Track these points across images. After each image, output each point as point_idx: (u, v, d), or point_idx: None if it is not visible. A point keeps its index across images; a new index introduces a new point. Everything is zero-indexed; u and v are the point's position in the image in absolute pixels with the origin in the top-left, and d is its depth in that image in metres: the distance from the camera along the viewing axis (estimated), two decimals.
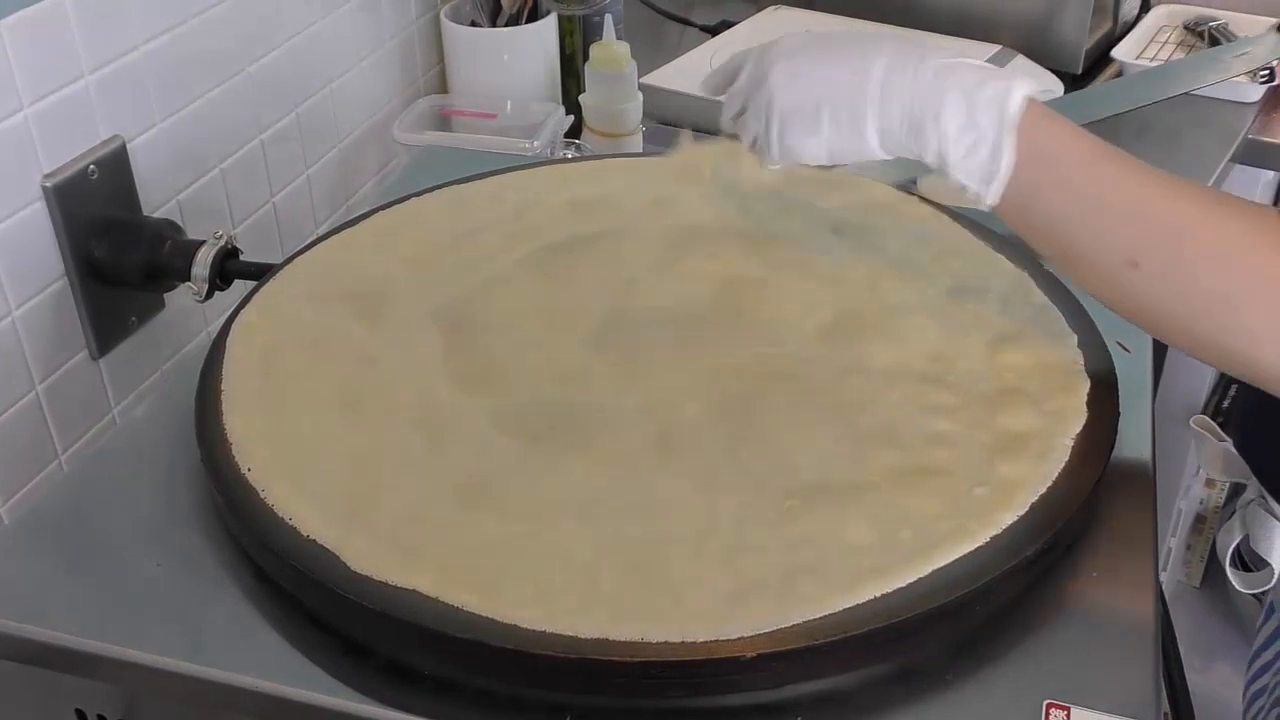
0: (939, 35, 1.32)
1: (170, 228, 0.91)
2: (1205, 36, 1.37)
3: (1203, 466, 1.41)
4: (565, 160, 1.04)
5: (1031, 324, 0.72)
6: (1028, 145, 0.60)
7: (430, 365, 0.71)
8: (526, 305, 0.75)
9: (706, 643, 0.53)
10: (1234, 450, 0.88)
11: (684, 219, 0.83)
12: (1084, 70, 1.34)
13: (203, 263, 0.87)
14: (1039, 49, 1.31)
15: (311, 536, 0.59)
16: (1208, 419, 0.92)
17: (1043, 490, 0.61)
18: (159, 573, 0.62)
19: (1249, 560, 1.59)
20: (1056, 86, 1.22)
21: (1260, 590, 0.99)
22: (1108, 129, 1.25)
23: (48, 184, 0.84)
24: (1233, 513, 1.58)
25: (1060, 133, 0.62)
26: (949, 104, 0.62)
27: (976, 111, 0.61)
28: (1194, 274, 0.59)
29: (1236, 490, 1.66)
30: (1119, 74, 1.36)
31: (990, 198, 0.62)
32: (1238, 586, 1.04)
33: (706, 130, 1.18)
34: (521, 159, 0.98)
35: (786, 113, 0.66)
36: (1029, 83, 0.62)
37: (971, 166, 0.62)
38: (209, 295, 0.88)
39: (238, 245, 0.90)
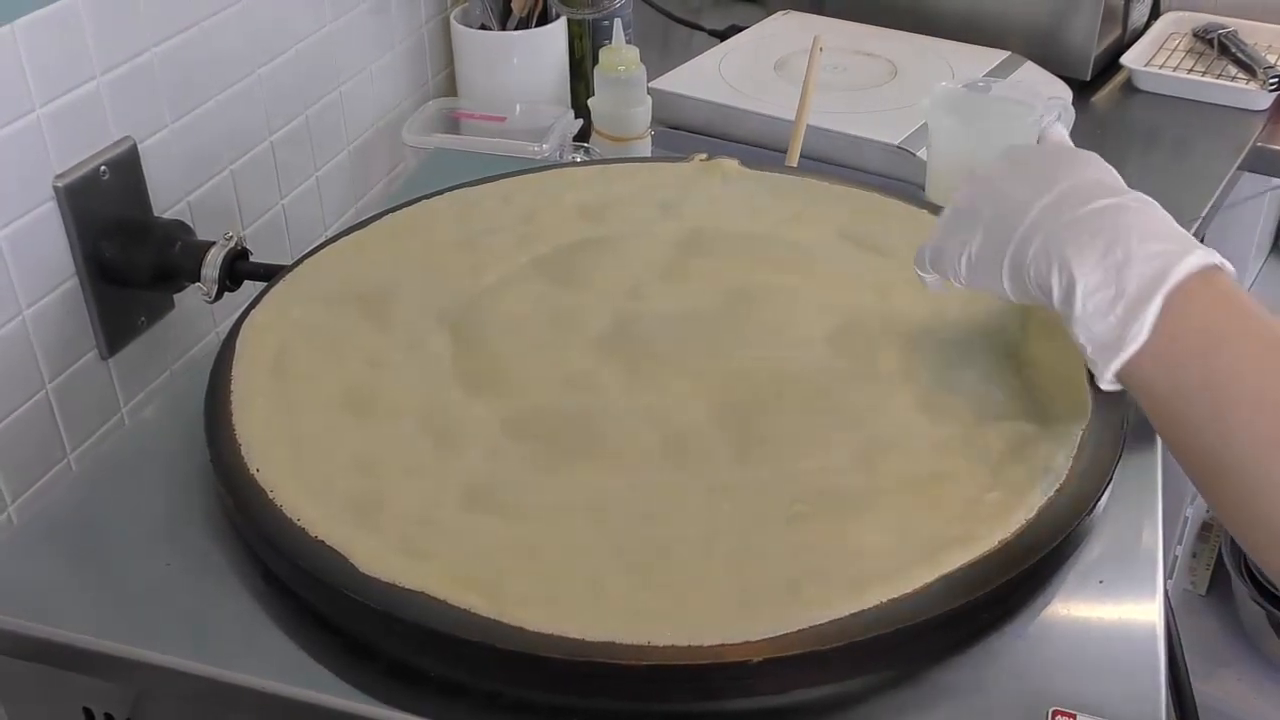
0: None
1: (180, 229, 0.92)
2: (1214, 44, 1.37)
3: None
4: (574, 164, 1.05)
5: (1040, 330, 0.72)
6: (1173, 315, 0.51)
7: (439, 367, 0.71)
8: (535, 309, 0.76)
9: (713, 647, 0.53)
10: None
11: (692, 224, 0.84)
12: (1092, 77, 1.34)
13: (212, 264, 0.88)
14: (1047, 55, 1.31)
15: (319, 537, 0.59)
16: None
17: (1050, 496, 0.61)
18: (167, 572, 0.62)
19: (1257, 571, 1.59)
20: (1065, 93, 1.22)
21: None
22: (1115, 138, 1.26)
23: (59, 184, 0.84)
24: None
25: (1217, 300, 0.51)
26: (1095, 245, 0.53)
27: (1127, 269, 0.52)
28: None
29: None
30: (1128, 81, 1.36)
31: (1106, 375, 0.54)
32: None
33: (715, 136, 1.19)
34: (530, 162, 0.98)
35: (951, 216, 0.62)
36: (1211, 254, 0.52)
37: (1098, 330, 0.53)
38: (218, 296, 0.89)
39: (247, 246, 0.90)
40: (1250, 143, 1.23)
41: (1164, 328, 0.52)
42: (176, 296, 0.96)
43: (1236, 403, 0.50)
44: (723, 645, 0.53)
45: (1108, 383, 0.55)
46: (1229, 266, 0.53)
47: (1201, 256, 0.52)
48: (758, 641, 0.53)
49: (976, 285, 0.62)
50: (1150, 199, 0.56)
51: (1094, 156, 0.61)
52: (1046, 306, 0.58)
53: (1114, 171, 0.60)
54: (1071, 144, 0.65)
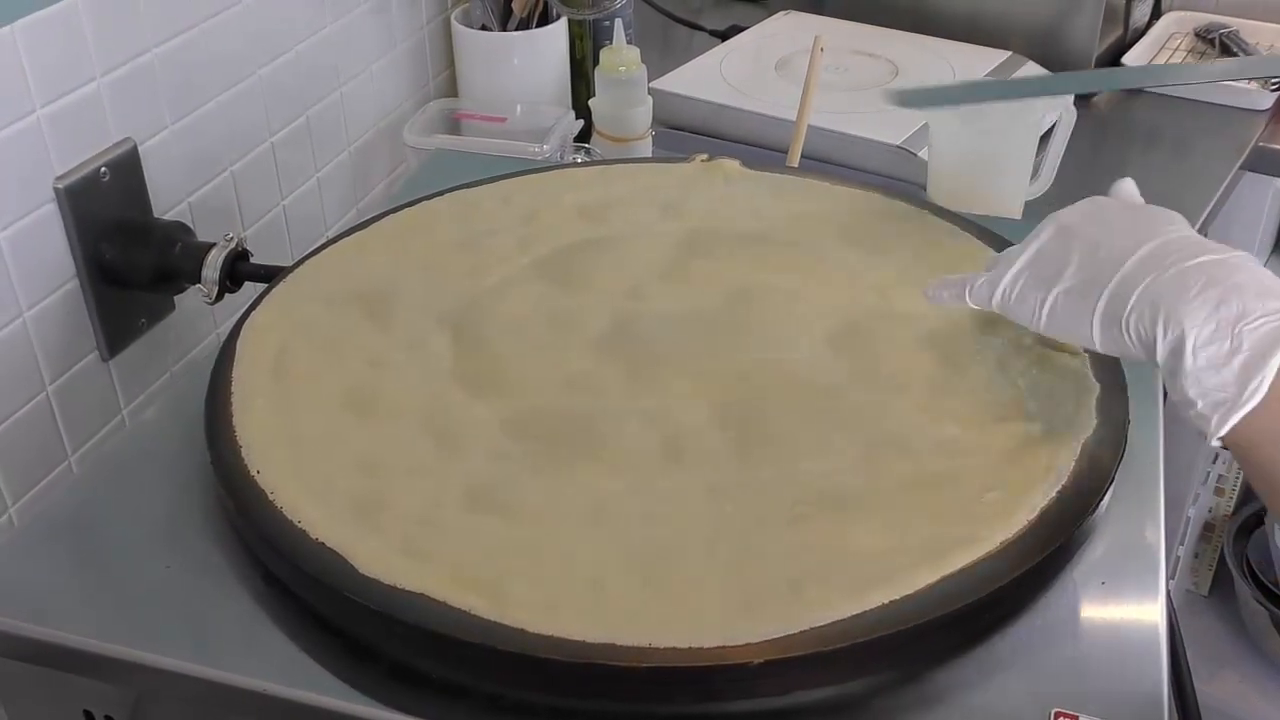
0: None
1: (181, 230, 0.92)
2: (1216, 43, 1.37)
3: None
4: (575, 164, 1.05)
5: (1041, 330, 0.71)
6: None
7: (440, 368, 0.71)
8: (535, 309, 0.76)
9: (714, 649, 0.53)
10: None
11: (693, 224, 0.83)
12: None
13: (213, 265, 0.88)
14: (1049, 55, 1.30)
15: (320, 539, 0.59)
16: None
17: (1052, 497, 0.61)
18: (168, 574, 0.62)
19: (1260, 571, 1.59)
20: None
21: None
22: (1116, 138, 1.26)
23: (59, 186, 0.84)
24: (1256, 528, 1.57)
25: None
26: (1206, 295, 0.52)
27: (1244, 323, 0.50)
28: None
29: (1246, 498, 1.66)
30: None
31: (1219, 432, 0.51)
32: None
33: (716, 136, 1.18)
34: (531, 163, 0.98)
35: (1033, 263, 0.60)
36: None
37: (1211, 384, 0.51)
38: (219, 297, 0.89)
39: (248, 248, 0.90)
40: (1252, 143, 1.22)
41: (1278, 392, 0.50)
42: (177, 298, 0.96)
43: None
44: (724, 647, 0.53)
45: (1216, 439, 0.53)
46: None
47: None
48: (759, 643, 0.53)
49: (1055, 331, 0.61)
50: (1252, 256, 0.55)
51: (1178, 215, 0.60)
52: (1142, 359, 0.56)
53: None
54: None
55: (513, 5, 1.20)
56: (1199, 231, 0.99)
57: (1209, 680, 1.61)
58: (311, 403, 0.68)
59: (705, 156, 0.90)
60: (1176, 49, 1.39)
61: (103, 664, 0.59)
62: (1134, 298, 0.55)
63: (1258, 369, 0.50)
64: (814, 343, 0.72)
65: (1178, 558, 1.68)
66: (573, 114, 1.16)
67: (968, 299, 0.65)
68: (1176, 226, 0.58)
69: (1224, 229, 1.29)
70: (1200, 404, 0.52)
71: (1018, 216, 0.95)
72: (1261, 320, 0.51)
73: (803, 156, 1.02)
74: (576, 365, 0.71)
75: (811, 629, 0.54)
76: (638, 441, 0.65)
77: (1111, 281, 0.56)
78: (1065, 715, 0.53)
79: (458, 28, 1.21)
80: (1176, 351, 0.53)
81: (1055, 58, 1.31)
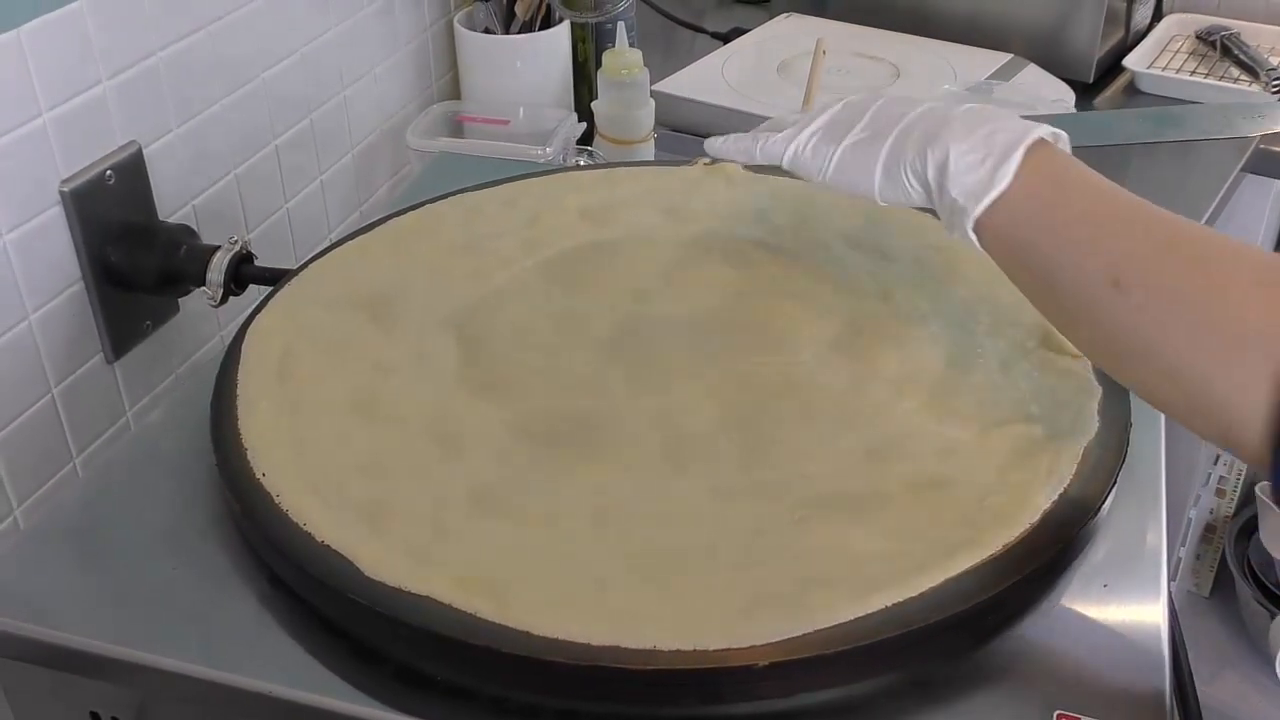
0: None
1: (185, 233, 0.92)
2: (1217, 46, 1.37)
3: (1265, 540, 1.40)
4: (577, 167, 1.05)
5: (1043, 334, 0.72)
6: (1032, 168, 0.59)
7: (444, 371, 0.71)
8: (539, 312, 0.76)
9: (718, 651, 0.53)
10: None
11: (696, 227, 0.84)
12: (1095, 79, 1.34)
13: (217, 268, 0.88)
14: (1050, 58, 1.31)
15: (325, 542, 0.59)
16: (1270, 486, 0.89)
17: (1054, 499, 0.61)
18: (173, 576, 0.62)
19: (1261, 572, 1.59)
20: (1068, 95, 1.23)
21: None
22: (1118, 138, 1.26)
23: (65, 189, 0.84)
24: (1258, 529, 1.57)
25: (1072, 164, 0.60)
26: (966, 124, 0.61)
27: (995, 133, 0.60)
28: (1179, 296, 0.53)
29: (1247, 500, 1.66)
30: (1130, 83, 1.36)
31: (978, 211, 0.60)
32: None
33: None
34: (534, 166, 0.99)
35: (829, 122, 0.69)
36: (1056, 131, 0.61)
37: (968, 180, 0.60)
38: (223, 300, 0.89)
39: (252, 250, 0.90)
40: (1254, 144, 1.22)
41: (1022, 181, 0.59)
42: (182, 300, 0.96)
43: (1075, 244, 0.57)
44: (728, 649, 0.53)
45: (967, 231, 0.61)
46: (1065, 136, 0.62)
47: (1050, 129, 0.61)
48: (763, 646, 0.53)
49: (840, 182, 0.68)
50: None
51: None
52: (917, 202, 0.65)
53: None
54: None
55: (515, 8, 1.20)
56: None
57: (1210, 681, 1.61)
58: (316, 405, 0.68)
59: (707, 160, 0.91)
60: (1178, 51, 1.39)
61: (108, 665, 0.59)
62: (910, 141, 0.64)
63: (1004, 161, 0.59)
64: (817, 346, 0.72)
65: (1179, 559, 1.68)
66: (575, 116, 1.16)
67: (757, 155, 0.72)
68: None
69: (1224, 230, 1.29)
70: (960, 199, 0.60)
71: None
72: (1009, 131, 0.60)
73: None
74: (580, 368, 0.71)
75: (815, 631, 0.54)
76: (641, 444, 0.65)
77: (893, 132, 0.65)
78: (1067, 717, 0.53)
79: (461, 31, 1.21)
80: (942, 168, 0.61)
81: (1056, 60, 1.31)
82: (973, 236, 0.61)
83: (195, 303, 0.95)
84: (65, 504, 0.69)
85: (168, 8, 0.90)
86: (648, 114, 1.12)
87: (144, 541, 0.64)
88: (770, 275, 0.78)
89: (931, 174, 0.62)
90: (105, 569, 0.63)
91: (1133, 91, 1.35)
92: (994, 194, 0.59)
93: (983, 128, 0.61)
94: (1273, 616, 1.58)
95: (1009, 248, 0.60)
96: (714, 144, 0.76)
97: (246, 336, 0.74)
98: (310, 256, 0.82)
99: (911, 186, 0.65)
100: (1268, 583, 1.59)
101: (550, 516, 0.61)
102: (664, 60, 1.30)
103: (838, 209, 0.85)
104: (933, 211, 0.65)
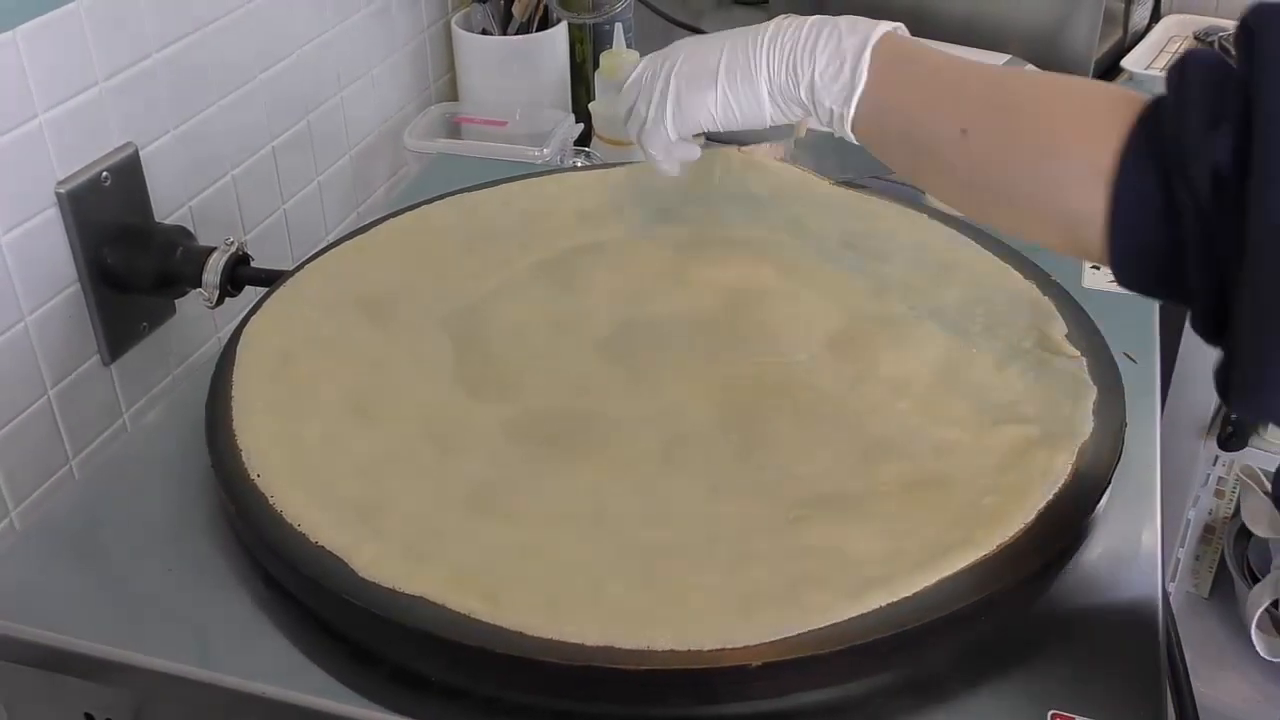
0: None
1: (182, 234, 0.92)
2: (1215, 47, 1.37)
3: (1249, 522, 1.40)
4: (575, 168, 1.05)
5: (1039, 334, 0.72)
6: (882, 60, 0.65)
7: (440, 372, 0.71)
8: (536, 313, 0.76)
9: (712, 651, 0.53)
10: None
11: (692, 228, 0.84)
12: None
13: (214, 269, 0.88)
14: (1049, 58, 1.31)
15: (320, 543, 0.59)
16: (1254, 469, 0.90)
17: (1049, 499, 0.61)
18: (169, 578, 0.62)
19: (1260, 574, 1.59)
20: None
21: None
22: None
23: (61, 190, 0.84)
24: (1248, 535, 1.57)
25: (915, 47, 0.66)
26: (822, 39, 0.67)
27: (843, 43, 0.66)
28: (1016, 133, 0.59)
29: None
30: (1129, 84, 1.36)
31: (850, 112, 0.65)
32: (1266, 654, 1.01)
33: (715, 141, 1.18)
34: (531, 167, 0.99)
35: (684, 76, 0.71)
36: (896, 24, 0.67)
37: (835, 89, 0.66)
38: (220, 301, 0.89)
39: (249, 252, 0.90)
40: None
41: (876, 73, 0.65)
42: (178, 302, 0.96)
43: (927, 107, 0.63)
44: (722, 649, 0.53)
45: (846, 130, 0.67)
46: (903, 27, 0.68)
47: (888, 24, 0.67)
48: (757, 645, 0.53)
49: (728, 121, 0.72)
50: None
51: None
52: (798, 115, 0.70)
53: None
54: None
55: (513, 9, 1.20)
56: None
57: (1209, 682, 1.61)
58: (312, 406, 0.68)
59: (702, 142, 0.90)
60: (1176, 52, 1.39)
61: (104, 667, 0.59)
62: (780, 61, 0.68)
63: (859, 62, 0.65)
64: (813, 346, 0.72)
65: (1178, 560, 1.68)
66: (573, 118, 1.16)
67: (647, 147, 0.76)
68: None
69: None
70: (836, 107, 0.66)
71: None
72: (857, 34, 0.66)
73: (801, 160, 1.02)
74: (577, 368, 0.71)
75: (810, 631, 0.54)
76: (637, 444, 0.65)
77: (762, 64, 0.69)
78: (1062, 717, 0.53)
79: (458, 32, 1.21)
80: (812, 82, 0.67)
81: (1055, 61, 1.31)
82: (850, 134, 0.67)
83: (192, 304, 0.95)
84: (61, 506, 0.69)
85: (164, 9, 0.90)
86: None
87: (139, 543, 0.64)
88: (766, 276, 0.78)
89: (803, 94, 0.68)
90: (101, 570, 0.63)
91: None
92: (858, 93, 0.65)
93: (832, 40, 0.67)
94: (1272, 618, 1.57)
95: (877, 129, 0.66)
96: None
97: (242, 338, 0.74)
98: (307, 258, 0.82)
99: (792, 110, 0.70)
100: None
101: (545, 517, 0.61)
102: None
103: (834, 209, 0.86)
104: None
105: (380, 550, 0.58)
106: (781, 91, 0.69)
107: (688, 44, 0.73)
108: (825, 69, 0.66)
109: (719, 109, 0.71)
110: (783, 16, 0.70)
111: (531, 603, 0.55)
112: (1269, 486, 0.86)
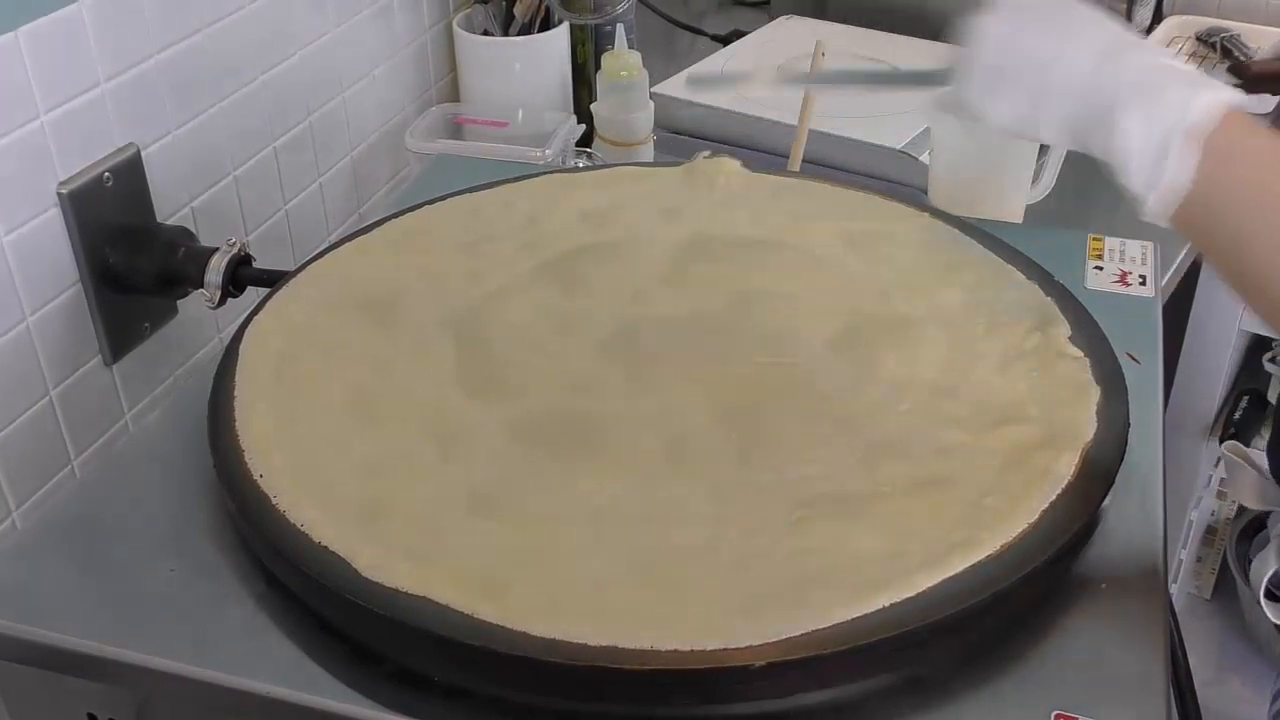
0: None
1: (184, 235, 0.92)
2: (1217, 47, 1.37)
3: (1235, 495, 1.40)
4: (576, 169, 1.05)
5: (1041, 335, 0.72)
6: (1211, 155, 0.56)
7: (442, 373, 0.71)
8: (538, 314, 0.76)
9: (715, 651, 0.53)
10: (1269, 478, 0.85)
11: (695, 228, 0.84)
12: None
13: (216, 270, 0.88)
14: None
15: (323, 543, 0.59)
16: (1240, 445, 0.90)
17: (1052, 500, 0.61)
18: (171, 578, 0.62)
19: (1271, 584, 1.59)
20: None
21: None
22: None
23: (63, 191, 0.84)
24: (1258, 531, 1.57)
25: (1254, 142, 0.57)
26: (1133, 98, 0.58)
27: (1156, 110, 0.57)
28: None
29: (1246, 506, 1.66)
30: None
31: (1151, 205, 0.58)
32: (1275, 619, 1.01)
33: (718, 141, 1.19)
34: (533, 168, 0.99)
35: (985, 70, 0.64)
36: (1233, 93, 0.58)
37: (1136, 170, 0.58)
38: (221, 302, 0.89)
39: (250, 252, 0.90)
40: None
41: (1190, 166, 0.56)
42: (180, 302, 0.96)
43: (1253, 219, 0.56)
44: (725, 650, 0.53)
45: (1162, 219, 0.59)
46: (1240, 96, 0.58)
47: (1218, 94, 0.57)
48: (760, 645, 0.53)
49: (1014, 131, 0.65)
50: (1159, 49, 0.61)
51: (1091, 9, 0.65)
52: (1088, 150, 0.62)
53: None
54: None
55: (514, 10, 1.20)
56: None
57: (1212, 684, 1.61)
58: (314, 407, 0.68)
59: (707, 153, 0.91)
60: (1178, 53, 1.39)
61: (106, 667, 0.59)
62: (1084, 97, 0.60)
63: (1167, 149, 0.56)
64: (815, 346, 0.72)
65: (1180, 561, 1.68)
66: (574, 119, 1.16)
67: (941, 110, 0.69)
68: (1101, 23, 0.63)
69: None
70: (1137, 190, 0.58)
71: (1019, 220, 0.95)
72: (1171, 105, 0.57)
73: (804, 161, 1.02)
74: (579, 369, 0.71)
75: (812, 632, 0.54)
76: (640, 445, 0.65)
77: (1065, 83, 0.61)
78: (1065, 718, 0.53)
79: (460, 33, 1.21)
80: (1108, 148, 0.59)
81: None
82: (1156, 220, 0.59)
83: (194, 305, 0.95)
84: (63, 506, 0.69)
85: (166, 10, 0.90)
86: (647, 116, 1.12)
87: (142, 543, 0.64)
88: (768, 276, 0.78)
89: (1099, 154, 0.60)
90: (103, 570, 0.63)
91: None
92: (1164, 195, 0.57)
93: (1144, 105, 0.58)
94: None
95: (1196, 227, 0.58)
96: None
97: (244, 338, 0.74)
98: (309, 258, 0.82)
99: (1093, 149, 0.62)
100: (1269, 585, 1.59)
101: (548, 517, 0.61)
102: (663, 62, 1.30)
103: (835, 209, 0.86)
104: None
105: (382, 550, 0.58)
106: (1076, 132, 0.61)
107: (993, 15, 0.65)
108: (1130, 139, 0.57)
109: (1010, 120, 0.64)
110: (1102, 34, 0.61)
111: (534, 603, 0.55)
112: (1255, 461, 0.86)
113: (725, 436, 0.66)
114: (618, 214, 0.86)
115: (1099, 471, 0.63)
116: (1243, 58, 1.34)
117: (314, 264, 0.81)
